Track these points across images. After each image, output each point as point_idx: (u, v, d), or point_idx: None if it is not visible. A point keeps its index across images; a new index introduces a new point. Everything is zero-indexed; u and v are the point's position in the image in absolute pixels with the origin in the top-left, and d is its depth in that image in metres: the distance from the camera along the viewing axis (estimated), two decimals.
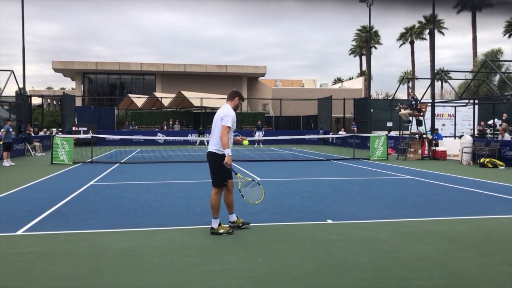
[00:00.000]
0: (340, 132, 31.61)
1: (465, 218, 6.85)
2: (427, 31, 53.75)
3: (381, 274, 4.26)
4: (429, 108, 21.73)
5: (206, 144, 30.99)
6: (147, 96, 38.97)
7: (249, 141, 8.37)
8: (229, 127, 5.62)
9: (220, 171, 5.71)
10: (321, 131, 33.74)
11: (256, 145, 29.64)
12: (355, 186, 10.29)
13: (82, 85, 46.64)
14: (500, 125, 20.98)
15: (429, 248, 5.17)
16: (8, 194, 9.11)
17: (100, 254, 4.91)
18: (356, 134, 24.57)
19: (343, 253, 4.95)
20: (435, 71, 24.96)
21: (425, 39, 55.38)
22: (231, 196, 5.97)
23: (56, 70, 45.34)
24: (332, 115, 34.06)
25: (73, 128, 30.28)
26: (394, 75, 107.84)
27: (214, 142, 5.75)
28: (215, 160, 5.72)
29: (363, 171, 13.96)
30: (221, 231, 5.72)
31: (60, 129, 31.69)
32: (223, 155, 5.63)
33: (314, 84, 62.67)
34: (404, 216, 6.96)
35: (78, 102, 40.01)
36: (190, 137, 31.34)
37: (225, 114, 5.69)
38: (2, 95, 23.23)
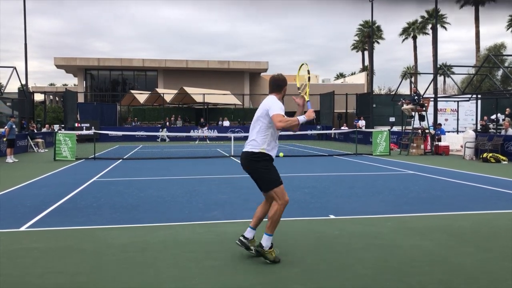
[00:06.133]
0: (342, 128, 31.57)
1: (467, 213, 6.85)
2: (430, 25, 53.55)
3: (383, 269, 4.27)
4: (431, 103, 21.68)
5: (207, 141, 31.11)
6: (149, 92, 38.98)
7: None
8: (280, 115, 4.28)
9: (267, 169, 4.46)
10: (318, 127, 33.68)
11: None
12: (357, 182, 10.28)
13: (84, 82, 46.65)
14: (503, 119, 20.92)
15: (431, 243, 5.17)
16: (12, 191, 9.14)
17: (103, 250, 4.93)
18: (360, 129, 24.55)
19: (345, 249, 4.96)
20: (438, 66, 24.87)
21: (427, 33, 55.19)
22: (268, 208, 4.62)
23: (58, 66, 45.37)
24: (334, 111, 34.02)
25: (76, 125, 30.35)
26: (397, 70, 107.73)
27: (252, 140, 4.51)
28: (256, 159, 4.45)
29: (365, 166, 13.95)
30: (271, 256, 4.40)
31: (63, 125, 31.77)
32: (265, 154, 4.43)
33: (316, 79, 62.47)
34: (407, 212, 6.95)
35: (81, 99, 40.03)
36: (192, 133, 31.32)
37: (269, 105, 4.39)
38: (5, 91, 23.28)
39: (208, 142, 30.40)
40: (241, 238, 4.61)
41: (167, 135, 30.61)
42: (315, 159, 16.73)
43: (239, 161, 4.58)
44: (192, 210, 7.09)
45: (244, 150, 4.57)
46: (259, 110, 4.51)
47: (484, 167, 13.50)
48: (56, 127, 30.99)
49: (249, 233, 4.63)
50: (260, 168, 4.45)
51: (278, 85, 4.59)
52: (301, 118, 4.35)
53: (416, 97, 19.06)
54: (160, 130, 30.74)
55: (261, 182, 4.50)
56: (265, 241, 4.39)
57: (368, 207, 7.29)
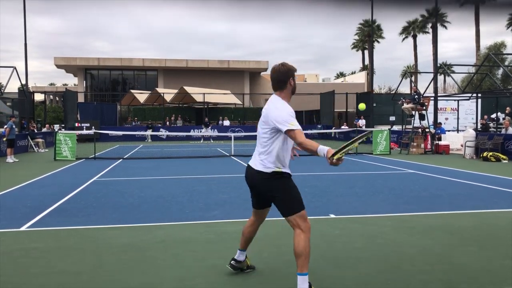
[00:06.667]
0: (342, 127, 31.56)
1: (468, 212, 6.85)
2: (430, 24, 53.54)
3: (384, 268, 4.26)
4: (432, 102, 21.67)
5: (210, 140, 31.06)
6: (149, 92, 38.98)
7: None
8: (299, 130, 3.46)
9: (289, 187, 3.65)
10: (319, 126, 33.69)
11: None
12: (357, 181, 10.28)
13: (84, 81, 46.64)
14: (503, 118, 20.92)
15: (432, 242, 5.16)
16: (12, 190, 9.14)
17: (103, 250, 4.93)
18: (360, 129, 24.54)
19: (345, 248, 4.95)
20: (438, 65, 24.86)
21: (428, 32, 55.18)
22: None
23: (58, 66, 45.35)
24: (335, 110, 34.02)
25: (76, 124, 30.36)
26: (397, 69, 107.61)
27: (261, 155, 3.66)
28: (271, 178, 3.61)
29: (365, 165, 13.95)
30: None
31: (63, 125, 31.77)
32: (282, 172, 3.64)
33: (317, 78, 62.54)
34: (407, 211, 6.95)
35: (81, 98, 40.03)
36: (192, 132, 31.32)
37: (278, 116, 3.50)
38: (5, 91, 23.29)
39: (212, 141, 30.32)
40: (233, 262, 4.05)
41: (150, 135, 30.71)
42: (315, 158, 16.72)
43: (244, 175, 3.81)
44: (193, 210, 7.09)
45: (251, 163, 3.70)
46: (262, 117, 3.66)
47: (484, 166, 13.49)
48: (56, 127, 30.99)
49: (240, 256, 4.07)
50: (279, 185, 3.60)
51: (279, 80, 3.61)
52: (321, 149, 3.40)
53: (416, 96, 19.05)
54: (149, 130, 30.93)
55: (282, 203, 3.57)
56: (303, 283, 3.50)
57: (369, 206, 7.28)
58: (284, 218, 3.61)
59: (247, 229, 4.03)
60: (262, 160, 3.62)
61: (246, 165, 3.79)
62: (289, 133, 3.44)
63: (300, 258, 3.50)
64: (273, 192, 3.62)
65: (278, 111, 3.51)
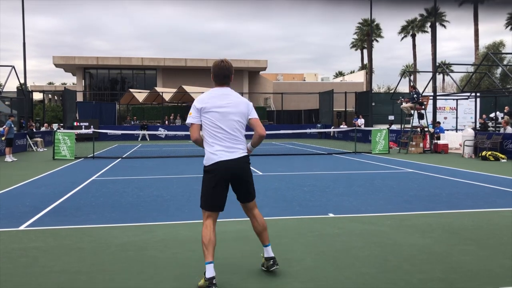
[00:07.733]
0: (341, 126, 31.57)
1: (467, 212, 6.85)
2: (429, 24, 53.55)
3: (383, 267, 4.26)
4: (430, 102, 21.68)
5: None
6: (148, 91, 38.95)
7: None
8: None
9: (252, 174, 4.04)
10: (319, 125, 33.70)
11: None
12: (356, 180, 10.29)
13: (83, 80, 46.57)
14: (502, 118, 20.93)
15: (431, 241, 5.17)
16: (11, 190, 9.13)
17: (102, 249, 4.92)
18: (359, 128, 24.55)
19: (345, 247, 4.95)
20: (437, 64, 24.87)
21: (426, 31, 55.18)
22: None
23: (57, 65, 45.27)
24: (334, 109, 34.03)
25: (75, 124, 30.33)
26: (396, 68, 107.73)
27: (242, 143, 3.88)
28: (249, 163, 3.96)
29: (364, 165, 13.95)
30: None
31: (62, 124, 31.74)
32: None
33: (316, 78, 62.58)
34: (406, 210, 6.96)
35: (80, 98, 39.99)
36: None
37: (252, 106, 3.98)
38: (3, 90, 23.26)
39: None
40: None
41: (143, 134, 30.68)
42: (315, 158, 16.73)
43: (223, 172, 3.77)
44: (192, 209, 7.08)
45: (234, 157, 3.76)
46: (241, 107, 3.82)
47: (483, 165, 13.51)
48: (55, 126, 30.97)
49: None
50: (251, 172, 3.97)
51: (229, 75, 3.93)
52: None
53: (415, 96, 19.06)
54: (141, 129, 30.92)
55: (252, 188, 3.97)
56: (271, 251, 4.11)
57: (368, 206, 7.29)
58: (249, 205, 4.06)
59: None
60: (240, 148, 3.84)
61: (216, 162, 3.75)
62: (256, 121, 3.90)
63: (266, 231, 4.09)
64: (249, 177, 3.95)
65: (248, 102, 3.93)
